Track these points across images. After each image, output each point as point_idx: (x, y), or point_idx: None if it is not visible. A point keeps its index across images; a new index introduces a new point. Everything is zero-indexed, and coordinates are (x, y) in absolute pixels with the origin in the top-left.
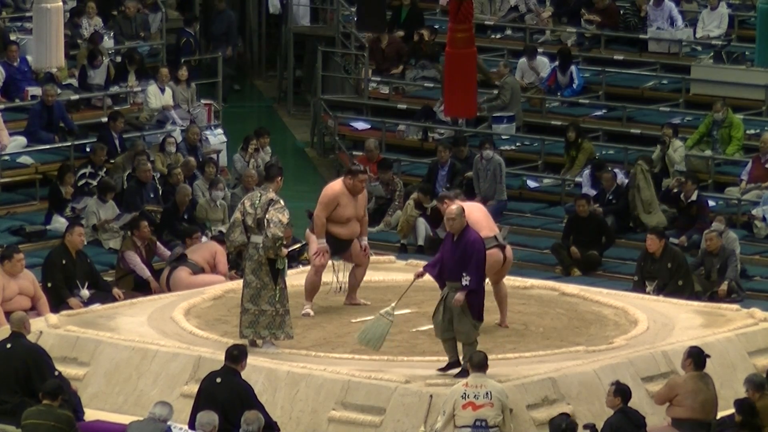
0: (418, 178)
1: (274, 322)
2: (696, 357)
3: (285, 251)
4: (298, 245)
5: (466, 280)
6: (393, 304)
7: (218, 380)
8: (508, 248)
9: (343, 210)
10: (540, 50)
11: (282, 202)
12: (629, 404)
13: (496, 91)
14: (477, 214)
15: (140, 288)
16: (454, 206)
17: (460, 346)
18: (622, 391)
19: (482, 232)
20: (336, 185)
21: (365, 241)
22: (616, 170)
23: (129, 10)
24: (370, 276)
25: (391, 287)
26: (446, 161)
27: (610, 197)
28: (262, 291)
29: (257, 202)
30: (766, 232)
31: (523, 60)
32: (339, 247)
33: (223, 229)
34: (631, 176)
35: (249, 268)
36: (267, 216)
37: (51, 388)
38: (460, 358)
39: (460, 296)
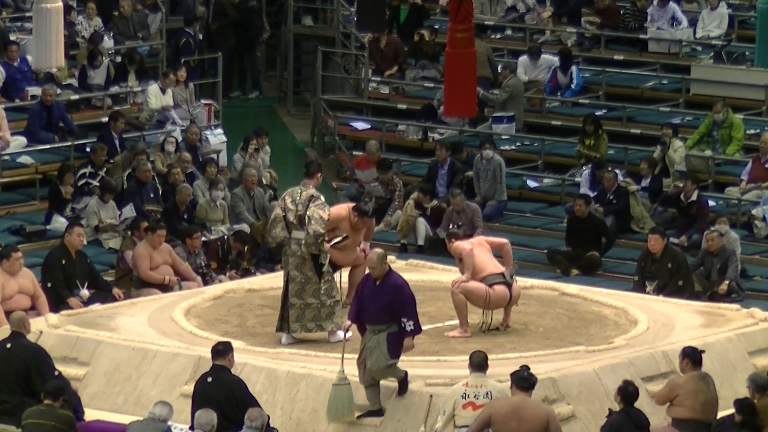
0: (418, 178)
1: (320, 314)
2: (691, 356)
3: (328, 246)
4: (340, 237)
5: (409, 325)
6: (339, 368)
7: (209, 380)
8: (516, 286)
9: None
10: (540, 50)
11: (322, 198)
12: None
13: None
14: (481, 256)
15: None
16: (373, 253)
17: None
18: (624, 391)
19: (487, 270)
20: (342, 210)
21: (364, 245)
22: (616, 170)
23: (124, 9)
24: None
25: None
26: (445, 160)
27: (611, 197)
28: (306, 285)
29: (298, 198)
30: (766, 232)
31: (524, 58)
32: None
33: (224, 229)
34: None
35: (292, 263)
36: (308, 212)
37: (53, 389)
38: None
39: (409, 343)
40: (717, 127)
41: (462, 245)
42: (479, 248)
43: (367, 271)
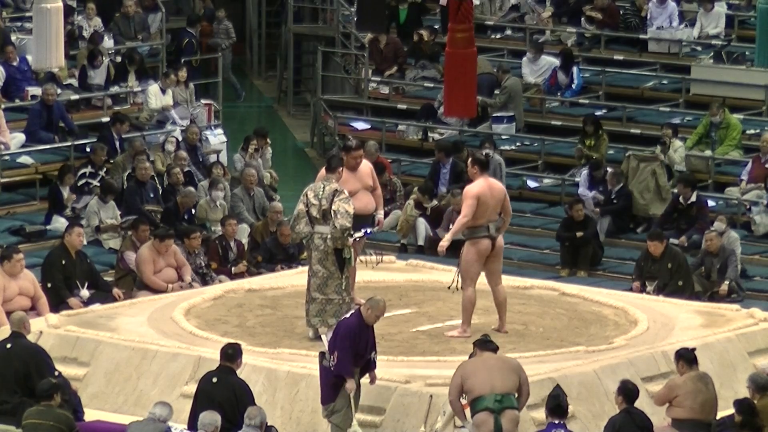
0: (418, 178)
1: (341, 310)
2: (686, 356)
3: (351, 241)
4: (361, 233)
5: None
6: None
7: (214, 380)
8: (500, 238)
9: (344, 186)
10: (542, 48)
11: (346, 192)
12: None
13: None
14: (490, 201)
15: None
16: (384, 304)
17: None
18: (625, 391)
19: (482, 218)
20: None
21: (381, 214)
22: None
23: (128, 9)
24: (370, 276)
25: (390, 287)
26: (447, 160)
27: (612, 197)
28: (329, 280)
29: (321, 193)
30: (765, 229)
31: (526, 59)
32: (355, 221)
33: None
34: (646, 170)
35: (315, 258)
36: (333, 207)
37: (46, 388)
38: None
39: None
40: (715, 128)
41: (469, 193)
42: (489, 194)
43: (347, 316)
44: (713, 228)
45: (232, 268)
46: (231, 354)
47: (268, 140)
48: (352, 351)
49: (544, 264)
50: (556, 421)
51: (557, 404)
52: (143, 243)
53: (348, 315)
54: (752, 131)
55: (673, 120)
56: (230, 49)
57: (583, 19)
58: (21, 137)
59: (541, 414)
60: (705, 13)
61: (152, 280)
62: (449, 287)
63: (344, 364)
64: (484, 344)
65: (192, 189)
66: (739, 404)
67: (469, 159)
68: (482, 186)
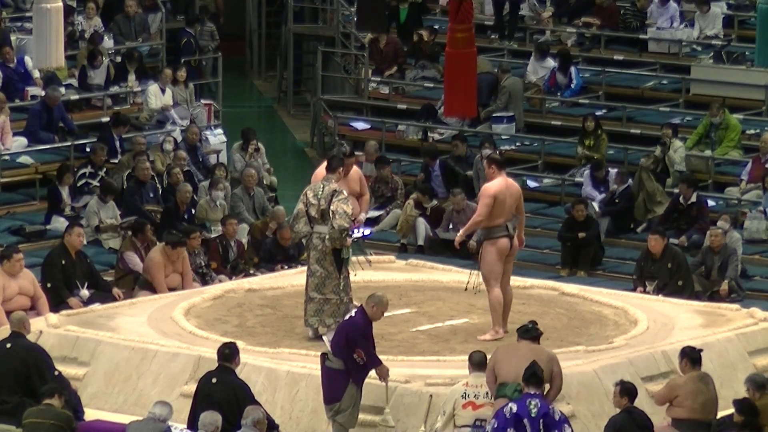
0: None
1: (338, 310)
2: (690, 355)
3: (349, 241)
4: (361, 234)
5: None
6: (387, 410)
7: (213, 380)
8: (515, 239)
9: None
10: (548, 50)
11: (345, 192)
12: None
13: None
14: (508, 200)
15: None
16: (387, 299)
17: None
18: (628, 390)
19: (501, 217)
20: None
21: (362, 216)
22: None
23: (130, 9)
24: (370, 276)
25: (390, 287)
26: (434, 163)
27: (615, 198)
28: (327, 280)
29: (320, 193)
30: (751, 235)
31: (533, 58)
32: None
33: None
34: (636, 177)
35: (313, 257)
36: (332, 207)
37: (48, 389)
38: None
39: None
40: (714, 129)
41: (486, 192)
42: (507, 193)
43: (352, 314)
44: (718, 226)
45: (233, 277)
46: (228, 354)
47: (258, 143)
48: (371, 344)
49: (544, 264)
50: (532, 392)
51: (532, 373)
52: (144, 243)
53: (352, 314)
54: (752, 131)
55: (673, 120)
56: (213, 51)
57: (580, 22)
58: (23, 141)
59: (564, 407)
60: (702, 14)
61: (163, 287)
62: (466, 288)
63: (372, 357)
64: (524, 332)
65: (186, 184)
66: (739, 404)
67: (486, 159)
68: (500, 185)
